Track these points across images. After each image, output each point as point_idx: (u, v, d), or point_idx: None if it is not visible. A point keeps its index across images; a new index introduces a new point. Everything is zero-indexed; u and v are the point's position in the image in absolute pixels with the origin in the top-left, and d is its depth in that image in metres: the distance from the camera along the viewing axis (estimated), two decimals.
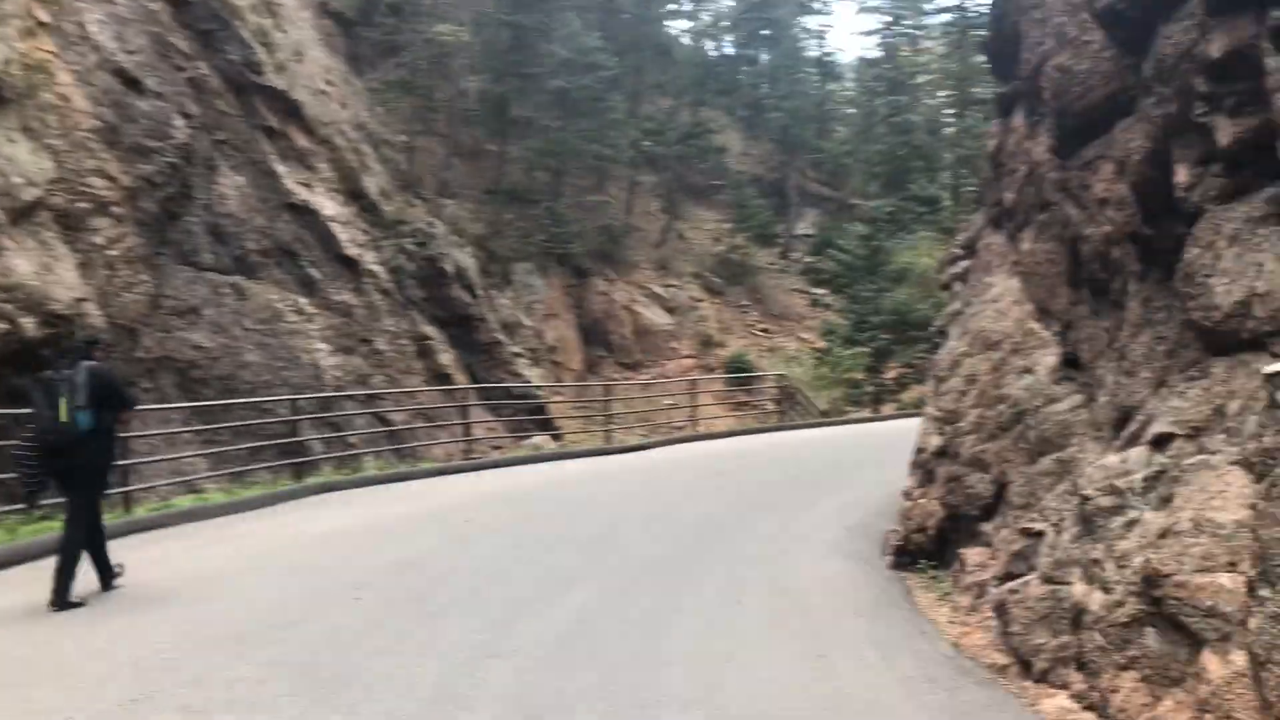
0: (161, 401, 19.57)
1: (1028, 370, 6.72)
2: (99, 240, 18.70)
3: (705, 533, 9.82)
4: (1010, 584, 5.64)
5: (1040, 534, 5.54)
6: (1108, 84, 5.44)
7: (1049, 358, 6.57)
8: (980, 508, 7.01)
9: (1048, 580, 5.04)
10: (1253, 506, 3.64)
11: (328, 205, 26.25)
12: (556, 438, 23.49)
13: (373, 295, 26.31)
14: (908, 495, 8.73)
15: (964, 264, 9.90)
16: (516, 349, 29.37)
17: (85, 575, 7.53)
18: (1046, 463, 6.15)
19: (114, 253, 18.94)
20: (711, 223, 39.41)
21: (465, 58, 33.20)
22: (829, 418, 24.83)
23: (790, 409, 24.10)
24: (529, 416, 26.67)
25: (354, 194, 28.10)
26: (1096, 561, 4.40)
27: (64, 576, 7.34)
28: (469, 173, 33.37)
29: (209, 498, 12.36)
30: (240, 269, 23.23)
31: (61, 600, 7.26)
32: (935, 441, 8.16)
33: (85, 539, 7.62)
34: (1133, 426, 4.83)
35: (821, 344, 32.02)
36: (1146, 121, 4.87)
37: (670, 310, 33.43)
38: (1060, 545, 4.95)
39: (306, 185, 26.17)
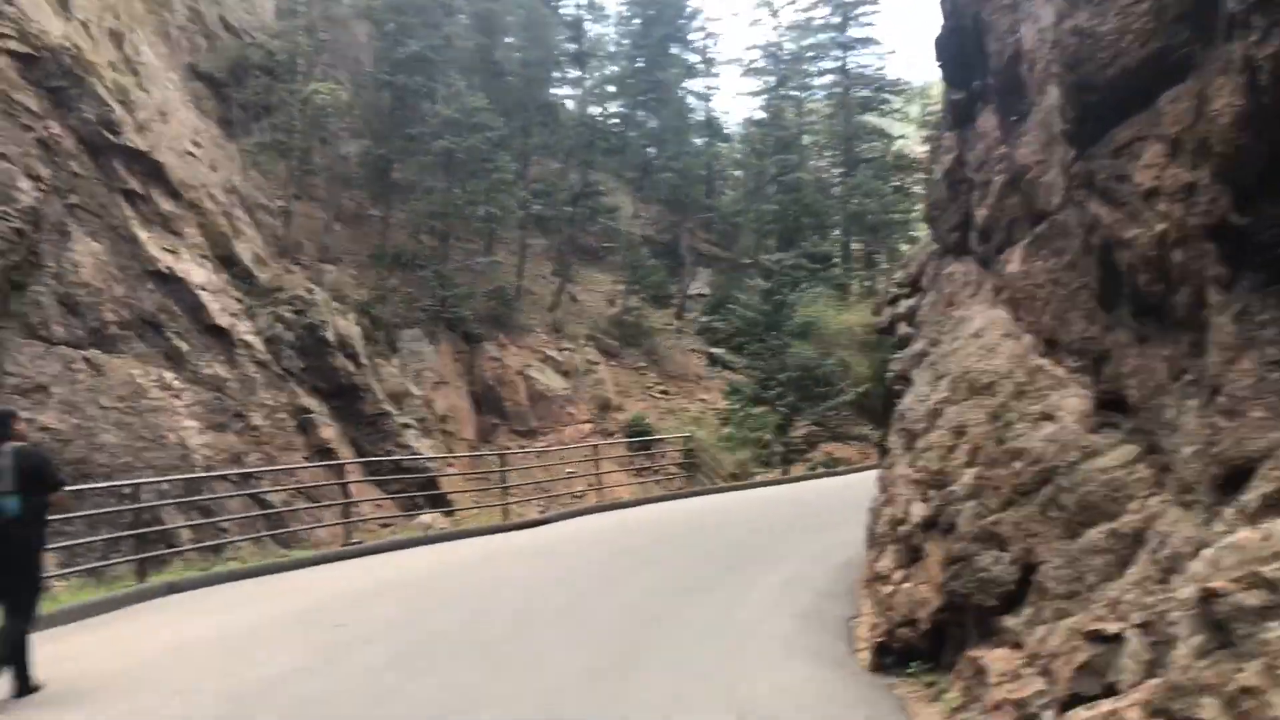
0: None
1: (1046, 417, 5.40)
2: None
3: (631, 630, 8.11)
4: (1085, 712, 4.08)
5: (1117, 638, 4.07)
6: (1146, 43, 4.21)
7: (1073, 400, 5.27)
8: (999, 596, 5.45)
9: (1161, 713, 3.47)
10: None
11: (196, 272, 24.50)
12: (450, 514, 21.96)
13: (247, 367, 24.54)
14: (883, 578, 7.30)
15: (907, 303, 8.98)
16: (405, 420, 27.77)
17: None
18: (1095, 536, 4.71)
19: None
20: (605, 284, 38.52)
21: (344, 119, 31.88)
22: (738, 480, 23.83)
23: (696, 473, 23.02)
24: (420, 491, 25.08)
25: (225, 260, 26.39)
26: (1250, 690, 3.05)
27: (20, 665, 6.93)
28: (351, 238, 31.90)
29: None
30: (96, 342, 21.35)
31: (24, 687, 6.91)
32: (919, 510, 6.74)
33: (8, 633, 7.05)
34: (1259, 485, 3.51)
35: (724, 404, 31.19)
36: (1236, 72, 3.64)
37: (565, 374, 32.24)
38: (1174, 661, 3.58)
39: (172, 251, 24.42)
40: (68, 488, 7.87)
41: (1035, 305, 5.82)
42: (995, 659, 5.15)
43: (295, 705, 6.38)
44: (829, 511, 16.11)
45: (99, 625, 9.84)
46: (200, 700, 6.61)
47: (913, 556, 6.69)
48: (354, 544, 15.49)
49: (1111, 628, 4.09)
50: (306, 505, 22.62)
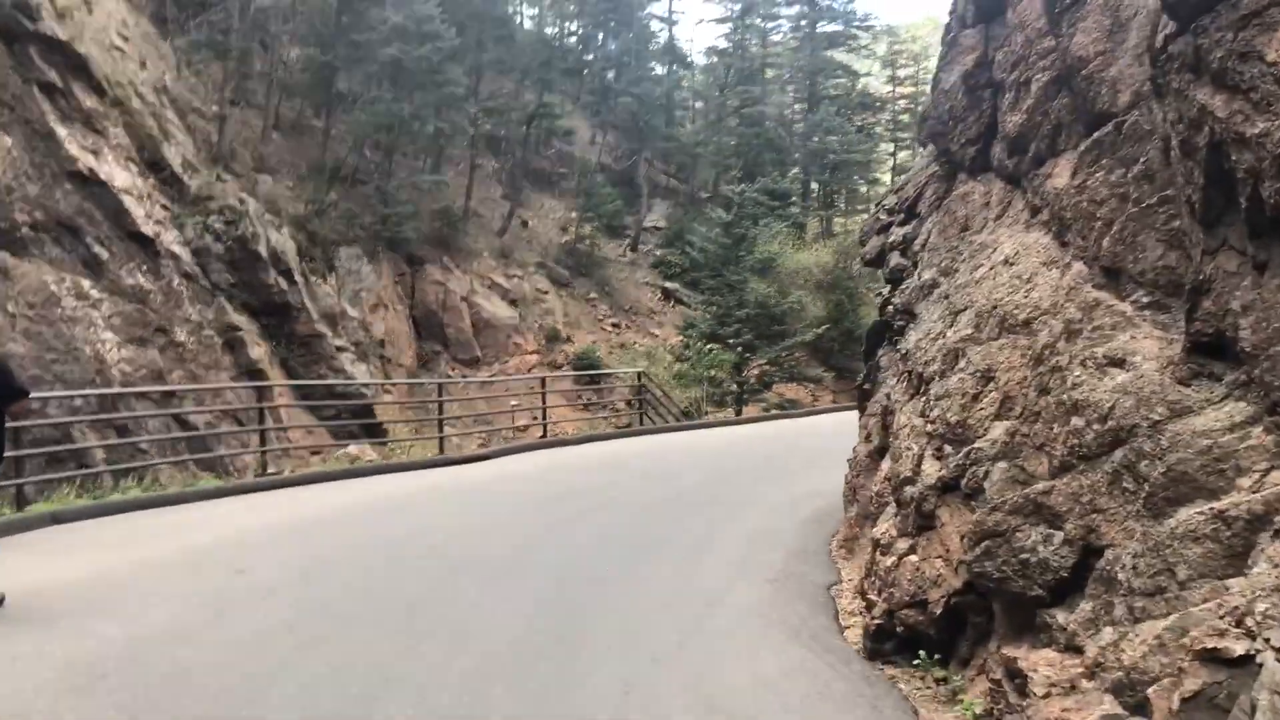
0: None
1: (1114, 363, 4.26)
2: None
3: (575, 593, 6.97)
4: None
5: (1245, 660, 3.09)
6: None
7: (1149, 342, 4.19)
8: (1047, 585, 4.39)
9: None
10: None
11: (119, 175, 22.81)
12: (383, 445, 20.78)
13: (172, 279, 23.01)
14: (882, 547, 6.11)
15: (902, 230, 7.91)
16: (340, 343, 26.43)
17: None
18: (1190, 518, 3.63)
19: None
20: (557, 211, 37.15)
21: (287, 22, 29.97)
22: (689, 420, 22.89)
23: (647, 410, 22.06)
24: (355, 420, 23.88)
25: (152, 165, 24.66)
26: None
27: None
28: (289, 148, 30.16)
29: None
30: (6, 244, 19.74)
31: None
32: (933, 469, 5.60)
33: None
34: None
35: (676, 340, 30.23)
36: None
37: (513, 303, 30.98)
38: None
39: (93, 151, 22.68)
40: (31, 395, 7.47)
41: (1091, 227, 4.71)
42: (1040, 662, 4.11)
43: (148, 683, 5.10)
44: (791, 456, 15.23)
45: None
46: (32, 670, 5.36)
47: (923, 524, 5.63)
48: (271, 474, 14.28)
49: (1238, 648, 3.09)
50: (232, 429, 21.35)
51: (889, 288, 8.40)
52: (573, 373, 25.68)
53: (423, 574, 7.44)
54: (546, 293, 32.12)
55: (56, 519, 10.12)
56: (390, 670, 5.29)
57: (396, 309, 29.03)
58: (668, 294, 35.11)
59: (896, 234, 8.08)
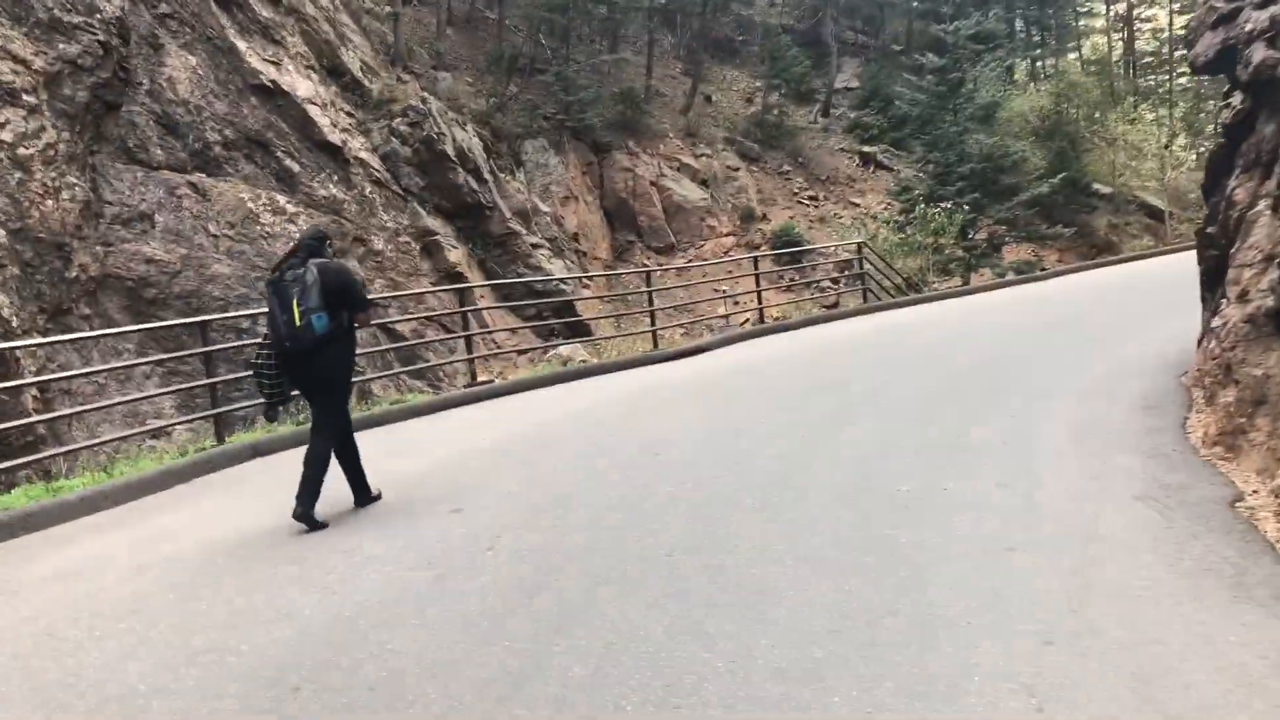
0: (107, 327, 16.13)
1: None
2: (5, 137, 15.05)
3: (874, 541, 5.18)
4: None
5: None
6: None
7: None
8: None
9: None
10: None
11: (301, 85, 22.41)
12: (592, 343, 19.93)
13: (364, 187, 22.63)
14: None
15: (1270, 11, 6.02)
16: (535, 239, 25.67)
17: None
18: None
19: (27, 151, 15.30)
20: (741, 82, 35.05)
21: None
22: (916, 293, 20.95)
23: (870, 286, 20.25)
24: (557, 319, 23.15)
25: (332, 71, 24.21)
26: None
27: (309, 491, 6.80)
28: (464, 42, 29.23)
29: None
30: (201, 165, 19.62)
31: (307, 516, 6.74)
32: None
33: (336, 452, 7.14)
34: None
35: (882, 207, 28.14)
36: None
37: (703, 183, 29.44)
38: None
39: (274, 63, 22.32)
40: (373, 306, 7.86)
41: None
42: None
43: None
44: (1066, 327, 13.36)
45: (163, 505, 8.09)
46: None
47: None
48: (483, 383, 13.48)
49: None
50: (439, 336, 20.94)
51: (1242, 96, 6.58)
52: (783, 250, 24.03)
53: (671, 513, 6.25)
54: (737, 170, 30.41)
55: (256, 451, 9.54)
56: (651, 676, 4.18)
57: (587, 200, 28.04)
58: (867, 159, 32.70)
59: (1256, 19, 6.19)
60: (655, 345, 15.65)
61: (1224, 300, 6.63)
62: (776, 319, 19.90)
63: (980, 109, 25.82)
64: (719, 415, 9.55)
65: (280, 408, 7.31)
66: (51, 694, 4.27)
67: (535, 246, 25.60)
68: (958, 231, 22.71)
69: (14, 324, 13.97)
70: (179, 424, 14.14)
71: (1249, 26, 6.47)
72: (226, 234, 19.20)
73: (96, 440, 10.46)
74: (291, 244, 7.50)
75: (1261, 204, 6.16)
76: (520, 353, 21.43)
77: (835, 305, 25.05)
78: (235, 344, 15.12)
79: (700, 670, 3.84)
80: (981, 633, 3.99)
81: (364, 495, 7.29)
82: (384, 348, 19.06)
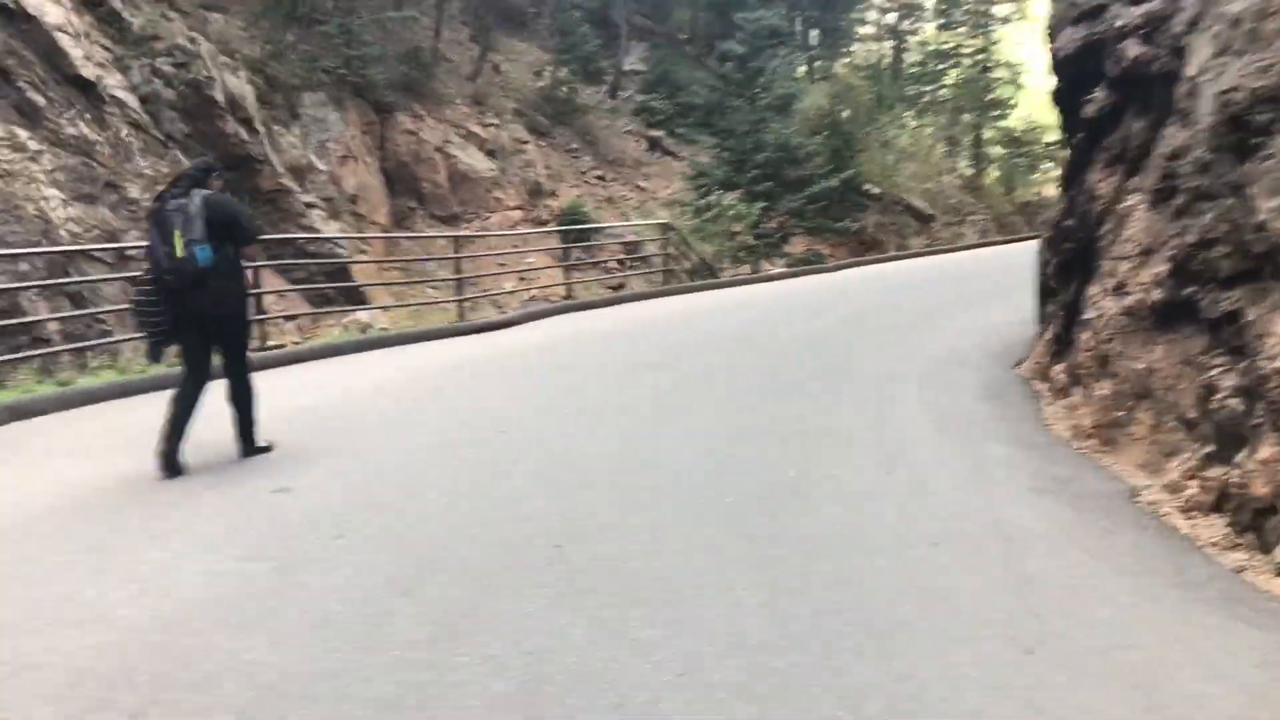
0: None
1: None
2: None
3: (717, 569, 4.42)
4: None
5: None
6: None
7: None
8: None
9: None
10: None
11: (51, 10, 19.93)
12: (386, 309, 18.87)
13: (120, 129, 20.42)
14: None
15: (1143, 8, 6.02)
16: (309, 199, 24.05)
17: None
18: None
19: None
20: (531, 55, 34.25)
21: None
22: (713, 278, 20.92)
23: (675, 268, 20.01)
24: (330, 283, 21.76)
25: (88, 0, 21.73)
26: None
27: (175, 433, 6.45)
28: None
29: None
30: None
31: (170, 461, 6.39)
32: None
33: (232, 396, 6.83)
34: None
35: (667, 192, 28.14)
36: None
37: (491, 154, 28.52)
38: None
39: None
40: (261, 238, 7.60)
41: None
42: None
43: None
44: (877, 314, 13.52)
45: None
46: None
47: None
48: (273, 348, 12.30)
49: None
50: None
51: (1107, 92, 6.64)
52: (574, 228, 23.49)
53: (545, 495, 5.66)
54: (526, 143, 29.65)
55: (14, 413, 8.15)
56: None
57: (367, 161, 26.57)
58: (654, 144, 32.69)
59: (1129, 15, 6.22)
60: (461, 317, 14.83)
61: (1093, 294, 6.68)
62: (565, 298, 19.42)
63: (778, 99, 26.24)
64: (554, 390, 8.99)
65: (163, 347, 6.81)
66: None
67: (309, 206, 23.99)
68: (754, 220, 22.97)
69: None
70: None
71: (1119, 22, 6.54)
72: None
73: None
74: (174, 174, 7.11)
75: (1134, 198, 6.23)
76: (289, 318, 19.98)
77: (621, 287, 24.85)
78: None
79: (650, 685, 3.29)
80: (947, 639, 3.64)
81: (250, 445, 6.94)
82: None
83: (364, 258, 24.19)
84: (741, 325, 13.13)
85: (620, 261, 25.04)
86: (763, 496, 5.45)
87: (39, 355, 11.64)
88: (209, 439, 6.87)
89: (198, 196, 6.44)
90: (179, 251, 6.29)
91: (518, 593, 4.17)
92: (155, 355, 6.93)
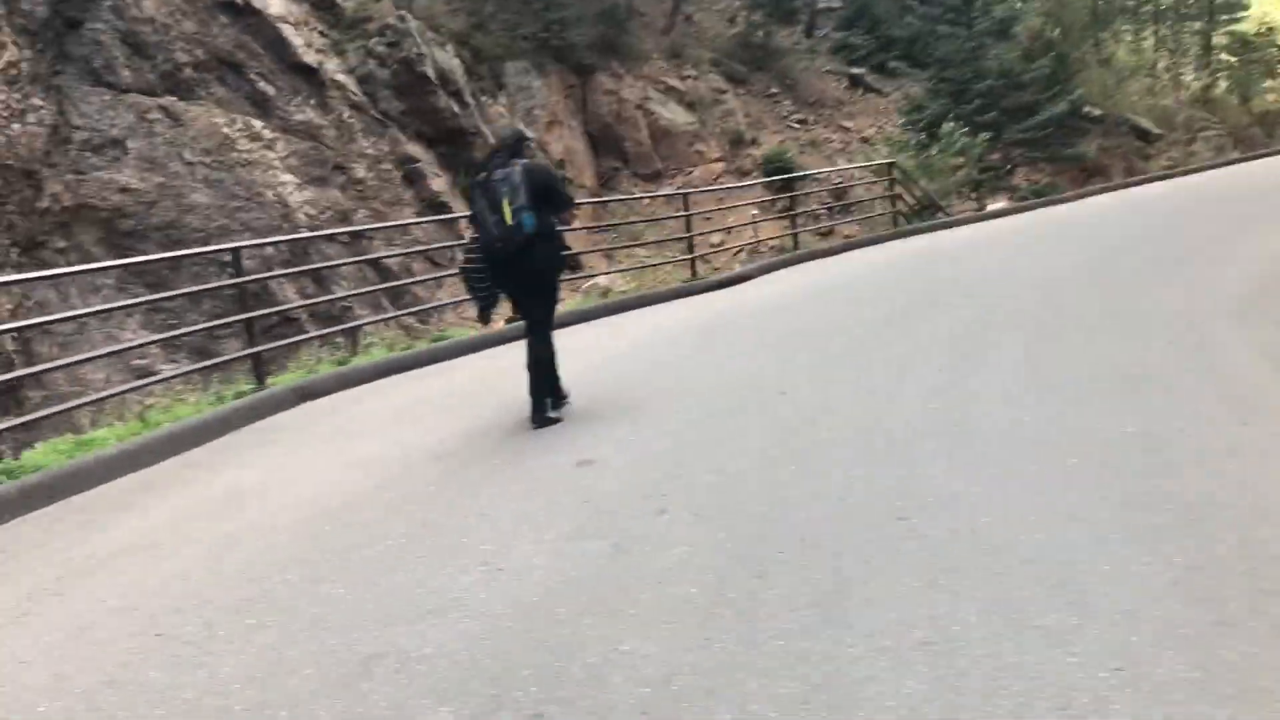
0: (83, 261, 14.80)
1: None
2: None
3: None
4: None
5: None
6: None
7: None
8: None
9: None
10: None
11: (273, 2, 20.78)
12: (588, 276, 18.91)
13: (342, 111, 21.17)
14: None
15: None
16: None
17: None
18: None
19: None
20: (721, 2, 33.64)
21: None
22: (935, 219, 19.99)
23: (900, 209, 19.12)
24: None
25: None
26: None
27: (540, 391, 6.92)
28: None
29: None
30: (171, 88, 18.11)
31: (542, 416, 6.88)
32: None
33: (536, 355, 7.00)
34: None
35: (873, 131, 27.11)
36: None
37: (690, 106, 28.18)
38: None
39: None
40: (575, 204, 7.75)
41: None
42: None
43: None
44: (1146, 245, 12.55)
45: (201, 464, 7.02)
46: None
47: None
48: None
49: None
50: (427, 274, 19.78)
51: None
52: (797, 175, 22.84)
53: (858, 462, 5.40)
54: (724, 93, 29.16)
55: (302, 394, 8.47)
56: None
57: (571, 125, 26.71)
58: (855, 81, 31.57)
59: None
60: (694, 275, 14.66)
61: None
62: (790, 249, 18.94)
63: (996, 23, 24.81)
64: (819, 346, 8.64)
65: (491, 309, 7.21)
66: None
67: None
68: (979, 153, 21.79)
69: None
70: (206, 368, 12.79)
71: None
72: (203, 161, 17.80)
73: (127, 386, 9.21)
74: (492, 144, 7.48)
75: None
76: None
77: (831, 233, 24.17)
78: (216, 285, 13.94)
79: (1085, 683, 2.92)
80: None
81: (557, 398, 7.19)
82: (374, 288, 17.60)
83: (576, 224, 24.37)
84: (997, 264, 12.42)
85: (830, 208, 24.32)
86: (1107, 457, 4.96)
87: (309, 339, 12.08)
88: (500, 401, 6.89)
89: (518, 165, 6.68)
90: (508, 219, 6.54)
91: (880, 571, 3.88)
92: (485, 318, 7.32)
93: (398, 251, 18.46)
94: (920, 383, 6.82)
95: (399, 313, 16.24)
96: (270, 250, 17.02)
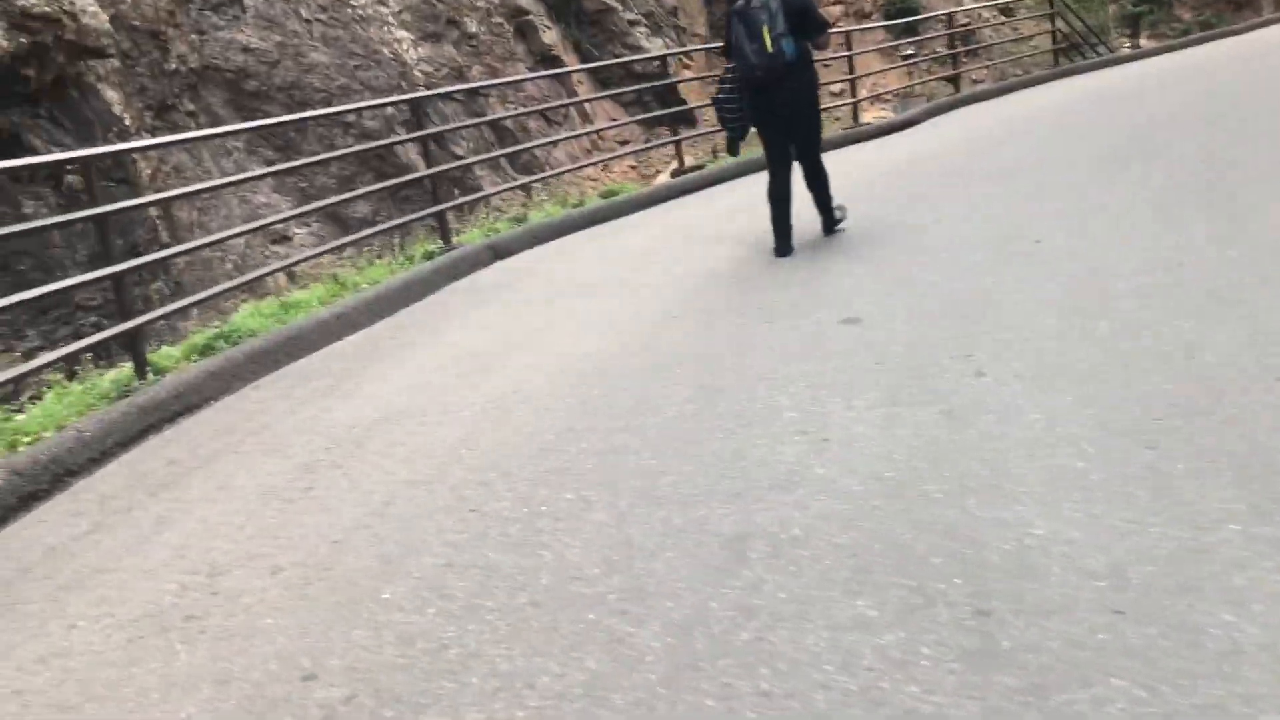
0: (212, 124, 14.49)
1: None
2: None
3: None
4: None
5: None
6: None
7: None
8: None
9: None
10: None
11: None
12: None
13: None
14: None
15: None
16: (631, 16, 23.34)
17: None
18: None
19: None
20: None
21: None
22: (1096, 57, 18.55)
23: (1059, 46, 17.58)
24: (661, 106, 21.07)
25: None
26: None
27: (783, 230, 6.93)
28: None
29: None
30: None
31: (785, 251, 6.93)
32: None
33: (810, 180, 7.11)
34: None
35: None
36: None
37: None
38: None
39: None
40: (830, 28, 7.57)
41: None
42: None
43: None
44: None
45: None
46: None
47: None
48: (693, 168, 11.80)
49: None
50: (545, 132, 19.17)
51: None
52: (885, 22, 21.28)
53: (1140, 316, 4.82)
54: None
55: (497, 252, 8.07)
56: None
57: None
58: None
59: None
60: (855, 120, 13.84)
61: None
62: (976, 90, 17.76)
63: None
64: (1034, 189, 7.96)
65: (740, 140, 7.18)
66: None
67: (632, 24, 23.31)
68: None
69: (126, 122, 12.33)
70: (389, 229, 12.43)
71: None
72: (319, 18, 17.22)
73: (317, 250, 8.85)
74: None
75: None
76: (622, 142, 19.61)
77: (956, 78, 22.79)
78: (347, 149, 13.50)
79: None
80: None
81: (831, 220, 7.33)
82: (497, 153, 16.99)
83: (688, 74, 23.34)
84: (1188, 102, 11.41)
85: (957, 53, 22.86)
86: None
87: (486, 196, 11.64)
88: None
89: None
90: (769, 46, 6.49)
91: None
92: (734, 149, 7.39)
93: (511, 110, 17.80)
94: (1151, 238, 6.11)
95: (583, 164, 15.72)
96: (390, 110, 16.55)
